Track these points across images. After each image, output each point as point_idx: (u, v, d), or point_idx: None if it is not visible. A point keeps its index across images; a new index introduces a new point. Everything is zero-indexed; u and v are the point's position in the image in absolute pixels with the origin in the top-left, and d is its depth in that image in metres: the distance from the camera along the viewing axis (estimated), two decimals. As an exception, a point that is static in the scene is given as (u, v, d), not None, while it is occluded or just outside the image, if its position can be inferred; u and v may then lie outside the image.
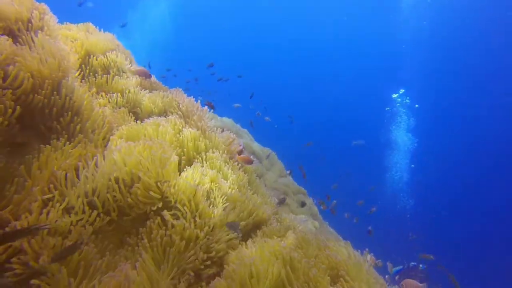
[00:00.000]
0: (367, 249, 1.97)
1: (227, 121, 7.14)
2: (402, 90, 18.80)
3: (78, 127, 1.75)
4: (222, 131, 6.87)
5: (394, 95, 19.05)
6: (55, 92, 1.64)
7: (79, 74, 2.19)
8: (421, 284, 4.40)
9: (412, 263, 8.56)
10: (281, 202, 5.77)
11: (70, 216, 1.45)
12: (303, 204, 6.14)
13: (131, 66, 2.72)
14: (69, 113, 1.71)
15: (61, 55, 1.85)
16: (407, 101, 18.88)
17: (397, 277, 7.76)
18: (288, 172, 7.22)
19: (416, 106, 19.04)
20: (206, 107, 2.52)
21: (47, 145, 1.57)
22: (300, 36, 33.97)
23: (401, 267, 8.80)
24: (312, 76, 34.51)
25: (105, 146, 1.90)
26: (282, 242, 1.82)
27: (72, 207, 1.54)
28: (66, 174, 1.52)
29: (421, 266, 8.44)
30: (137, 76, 2.79)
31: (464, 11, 22.02)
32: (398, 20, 23.58)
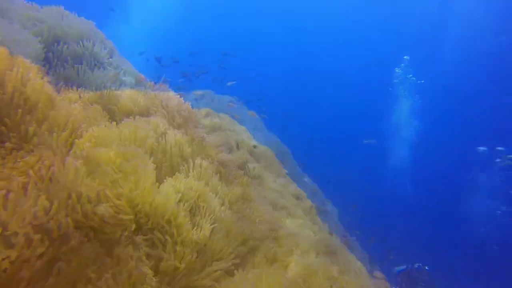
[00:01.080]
0: (378, 270, 1.65)
1: (224, 117, 6.77)
2: (406, 57, 18.02)
3: (31, 129, 1.40)
4: (220, 127, 6.49)
5: (397, 70, 18.35)
6: (-3, 86, 1.29)
7: (43, 65, 1.84)
8: None
9: (417, 264, 8.19)
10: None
11: (7, 249, 1.12)
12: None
13: (111, 57, 2.37)
14: (19, 111, 1.37)
15: (14, 39, 1.50)
16: (410, 76, 18.20)
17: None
18: (285, 171, 6.93)
19: (419, 82, 18.41)
20: (196, 109, 2.18)
21: (-16, 154, 1.23)
22: (301, 20, 33.21)
23: (404, 266, 8.43)
24: (314, 62, 33.66)
25: (69, 152, 1.57)
26: (283, 273, 1.50)
27: (15, 235, 1.20)
28: (6, 193, 1.18)
29: (426, 268, 8.10)
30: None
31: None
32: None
